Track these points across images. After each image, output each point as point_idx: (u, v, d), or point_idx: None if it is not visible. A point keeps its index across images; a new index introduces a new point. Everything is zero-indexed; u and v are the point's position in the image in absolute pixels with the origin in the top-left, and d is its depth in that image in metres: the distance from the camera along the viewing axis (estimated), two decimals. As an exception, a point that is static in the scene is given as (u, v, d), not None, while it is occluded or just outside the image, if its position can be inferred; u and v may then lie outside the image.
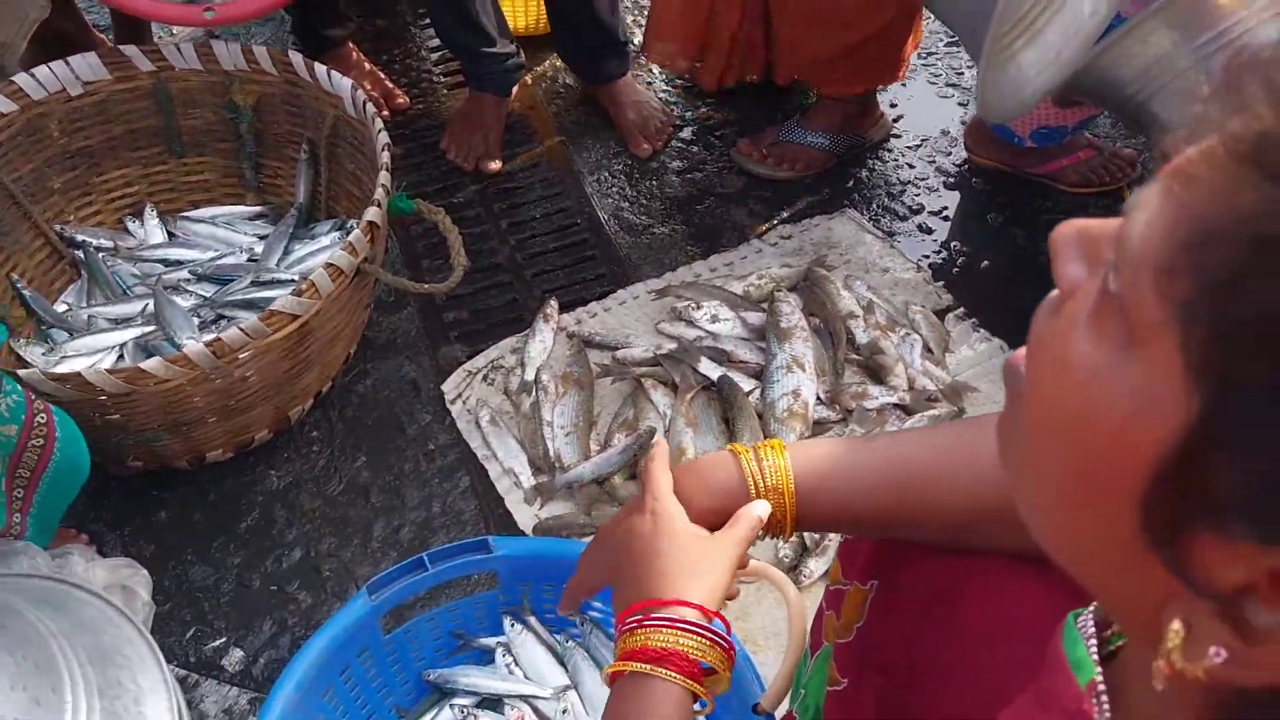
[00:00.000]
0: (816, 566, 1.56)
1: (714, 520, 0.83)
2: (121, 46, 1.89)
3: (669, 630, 0.77)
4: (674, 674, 0.76)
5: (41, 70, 1.81)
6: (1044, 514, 0.49)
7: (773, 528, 0.83)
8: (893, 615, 0.79)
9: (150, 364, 1.43)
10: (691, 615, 0.77)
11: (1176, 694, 0.44)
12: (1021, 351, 0.49)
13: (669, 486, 0.84)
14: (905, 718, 0.77)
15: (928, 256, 2.09)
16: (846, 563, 0.87)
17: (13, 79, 1.78)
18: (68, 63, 1.83)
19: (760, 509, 0.82)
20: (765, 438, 1.72)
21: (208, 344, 1.46)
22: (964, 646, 0.73)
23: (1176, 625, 0.42)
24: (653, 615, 0.78)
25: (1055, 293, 0.48)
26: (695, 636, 0.77)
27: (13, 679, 1.00)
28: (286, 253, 1.93)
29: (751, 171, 2.22)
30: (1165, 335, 0.39)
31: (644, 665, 0.76)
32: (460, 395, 1.84)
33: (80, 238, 1.92)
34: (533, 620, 1.45)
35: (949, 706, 0.73)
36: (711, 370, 1.79)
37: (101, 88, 1.88)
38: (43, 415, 1.35)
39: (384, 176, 1.64)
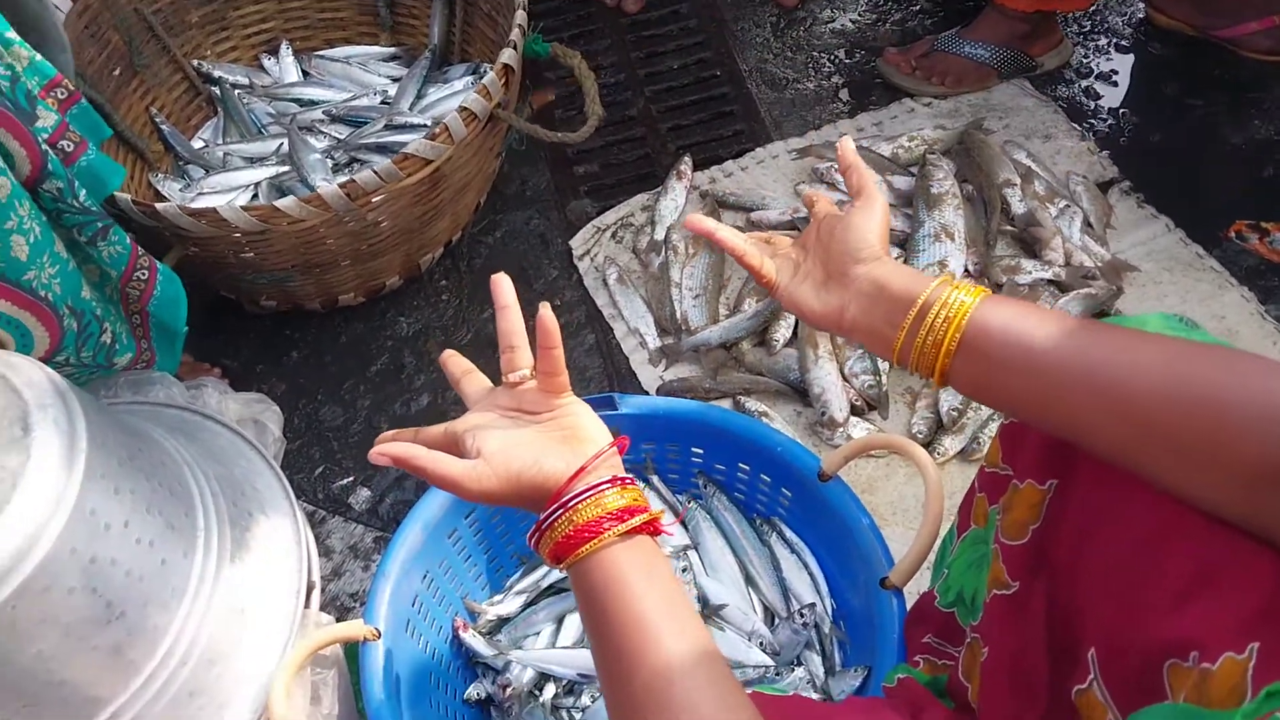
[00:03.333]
0: (952, 444, 1.50)
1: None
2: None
3: (578, 508, 0.76)
4: (615, 530, 0.75)
5: (180, -102, 1.78)
6: None
7: (924, 364, 0.78)
8: (1066, 516, 0.73)
9: (284, 203, 1.42)
10: (581, 485, 0.77)
11: None
12: None
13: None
14: (1069, 621, 0.71)
15: (1093, 124, 1.93)
16: (1010, 448, 0.79)
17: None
18: (206, -109, 1.79)
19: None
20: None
21: (341, 186, 1.44)
22: (1133, 552, 0.66)
23: None
24: (553, 508, 0.77)
25: None
26: (599, 495, 0.76)
27: (149, 502, 1.02)
28: (420, 96, 1.89)
29: (896, 85, 1.99)
30: None
31: (586, 546, 0.75)
32: (588, 251, 1.80)
33: (217, 73, 1.91)
34: (655, 479, 1.42)
35: (1111, 614, 0.67)
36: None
37: (239, -82, 1.84)
38: (144, 271, 1.35)
39: (520, 16, 1.57)
